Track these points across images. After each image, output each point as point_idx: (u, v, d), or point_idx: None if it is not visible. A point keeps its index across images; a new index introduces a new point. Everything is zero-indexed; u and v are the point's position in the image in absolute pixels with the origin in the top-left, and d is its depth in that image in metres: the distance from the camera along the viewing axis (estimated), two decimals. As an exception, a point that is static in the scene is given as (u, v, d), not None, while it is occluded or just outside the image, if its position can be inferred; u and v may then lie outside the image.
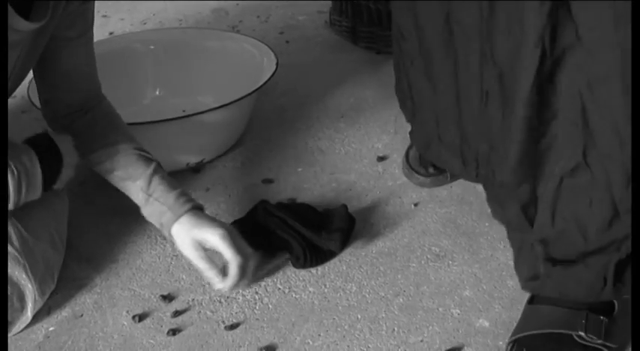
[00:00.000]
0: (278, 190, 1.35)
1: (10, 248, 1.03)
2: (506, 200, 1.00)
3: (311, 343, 1.02)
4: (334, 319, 1.05)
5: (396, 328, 1.03)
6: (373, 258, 1.17)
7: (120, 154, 1.12)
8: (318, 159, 1.44)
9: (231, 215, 1.26)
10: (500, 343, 0.99)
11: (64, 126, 1.17)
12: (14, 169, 1.00)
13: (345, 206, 1.23)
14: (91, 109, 1.18)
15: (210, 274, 1.07)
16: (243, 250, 1.07)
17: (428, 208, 1.28)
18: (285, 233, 1.17)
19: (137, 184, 1.10)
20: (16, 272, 1.03)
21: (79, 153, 1.14)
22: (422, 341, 1.01)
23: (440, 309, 1.06)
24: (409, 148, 1.36)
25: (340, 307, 1.07)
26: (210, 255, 1.07)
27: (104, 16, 2.24)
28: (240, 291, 1.11)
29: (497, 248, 1.17)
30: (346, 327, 1.04)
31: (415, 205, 1.29)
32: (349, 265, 1.16)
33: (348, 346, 1.01)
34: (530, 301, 1.01)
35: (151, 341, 1.03)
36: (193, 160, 1.41)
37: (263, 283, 1.13)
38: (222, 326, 1.05)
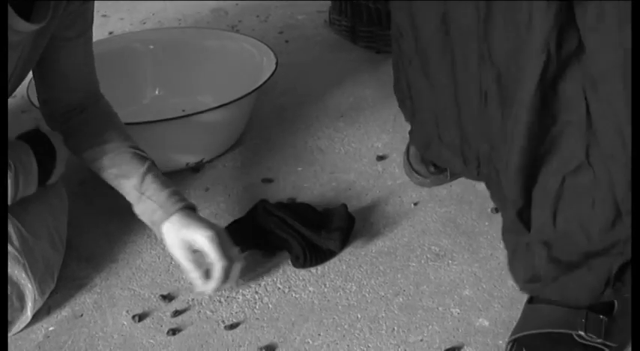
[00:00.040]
0: (278, 190, 1.35)
1: (10, 248, 1.03)
2: (505, 203, 1.00)
3: (311, 342, 1.02)
4: (334, 318, 1.05)
5: (395, 328, 1.03)
6: (373, 257, 1.17)
7: (114, 152, 1.13)
8: (317, 158, 1.44)
9: (230, 215, 1.26)
10: (500, 342, 0.99)
11: (61, 124, 1.17)
12: (12, 164, 1.01)
13: (344, 205, 1.23)
14: (88, 108, 1.18)
15: (193, 275, 1.07)
16: (229, 254, 1.07)
17: (428, 208, 1.28)
18: (285, 233, 1.17)
19: (130, 182, 1.10)
20: (16, 271, 1.03)
21: (74, 150, 1.15)
22: (422, 340, 1.01)
23: (440, 308, 1.06)
24: (409, 146, 1.36)
25: (340, 307, 1.07)
26: (199, 256, 1.07)
27: (104, 15, 2.24)
28: (240, 290, 1.11)
29: (497, 247, 1.16)
30: (346, 326, 1.04)
31: (415, 204, 1.29)
32: (349, 264, 1.16)
33: (348, 345, 1.01)
34: (530, 301, 1.01)
35: (151, 341, 1.03)
36: (193, 159, 1.41)
37: (263, 283, 1.13)
38: (222, 326, 1.05)
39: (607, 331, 0.94)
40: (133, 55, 1.62)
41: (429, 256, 1.17)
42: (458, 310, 1.05)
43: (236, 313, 1.07)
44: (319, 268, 1.15)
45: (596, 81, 0.84)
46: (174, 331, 1.04)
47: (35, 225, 1.09)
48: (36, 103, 1.24)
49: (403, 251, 1.18)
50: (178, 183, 1.37)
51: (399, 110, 1.36)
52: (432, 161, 1.30)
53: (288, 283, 1.13)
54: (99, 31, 1.63)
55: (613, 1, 0.79)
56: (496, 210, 1.24)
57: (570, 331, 0.94)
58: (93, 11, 1.14)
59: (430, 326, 1.03)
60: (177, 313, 1.07)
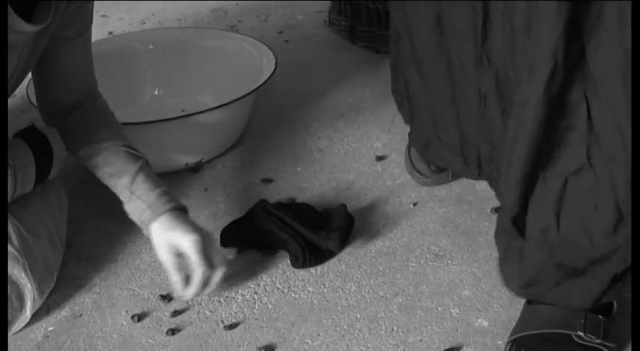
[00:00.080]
0: (277, 190, 1.35)
1: (9, 247, 1.03)
2: (500, 209, 1.00)
3: (310, 342, 1.02)
4: (333, 318, 1.05)
5: (395, 328, 1.03)
6: (372, 257, 1.17)
7: (108, 151, 1.13)
8: (317, 158, 1.44)
9: (230, 215, 1.27)
10: (499, 342, 0.99)
11: (57, 121, 1.18)
12: (11, 163, 1.01)
13: (344, 206, 1.23)
14: (85, 106, 1.18)
15: (174, 278, 1.06)
16: (212, 259, 1.07)
17: (427, 208, 1.28)
18: (284, 233, 1.17)
19: (122, 181, 1.11)
20: (15, 271, 1.03)
21: (71, 148, 1.15)
22: (421, 341, 1.01)
23: (439, 308, 1.06)
24: (409, 146, 1.36)
25: (339, 307, 1.08)
26: (185, 259, 1.07)
27: (103, 15, 2.24)
28: (240, 290, 1.11)
29: (496, 248, 1.16)
30: (345, 326, 1.04)
31: (414, 204, 1.29)
32: (348, 264, 1.16)
33: (347, 345, 1.01)
34: (529, 301, 1.01)
35: (150, 341, 1.03)
36: (192, 159, 1.41)
37: (262, 283, 1.13)
38: (222, 326, 1.05)
39: (606, 331, 0.94)
40: (132, 55, 1.62)
41: (428, 256, 1.17)
42: (457, 311, 1.05)
43: (235, 313, 1.07)
44: (318, 268, 1.15)
45: (596, 82, 0.84)
46: (173, 331, 1.04)
47: (35, 225, 1.09)
48: (35, 102, 1.24)
49: (402, 251, 1.18)
50: (177, 183, 1.37)
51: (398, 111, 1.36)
52: (433, 163, 1.30)
53: (288, 283, 1.13)
54: (98, 31, 1.63)
55: (613, 0, 0.79)
56: (495, 210, 1.24)
57: (569, 332, 0.94)
58: (92, 11, 1.14)
59: (429, 326, 1.03)
60: (176, 313, 1.07)
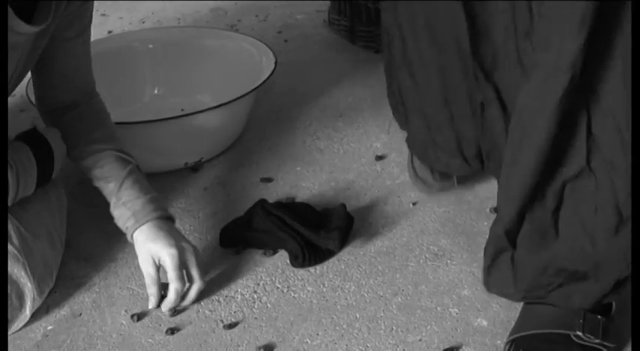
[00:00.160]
0: (276, 189, 1.35)
1: (9, 246, 1.03)
2: (495, 221, 1.00)
3: (309, 342, 1.02)
4: (333, 318, 1.06)
5: (394, 327, 1.03)
6: (372, 257, 1.17)
7: (99, 154, 1.13)
8: (316, 158, 1.44)
9: (229, 214, 1.26)
10: (499, 342, 1.00)
11: (54, 119, 1.18)
12: (12, 164, 1.01)
13: (343, 205, 1.23)
14: (82, 105, 1.19)
15: (150, 291, 1.07)
16: (190, 274, 1.07)
17: (426, 208, 1.28)
18: (284, 232, 1.17)
19: (109, 186, 1.11)
20: (15, 270, 1.03)
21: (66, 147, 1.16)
22: (420, 340, 1.01)
23: (438, 308, 1.06)
24: (412, 153, 1.33)
25: (339, 306, 1.08)
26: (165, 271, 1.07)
27: (103, 14, 2.24)
28: (239, 290, 1.11)
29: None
30: (344, 326, 1.04)
31: (414, 204, 1.29)
32: (348, 264, 1.16)
33: (347, 345, 1.01)
34: (529, 302, 1.01)
35: (150, 340, 1.03)
36: (192, 159, 1.41)
37: (261, 282, 1.13)
38: (221, 325, 1.05)
39: (605, 331, 0.94)
40: (132, 54, 1.62)
41: (427, 255, 1.17)
42: (456, 310, 1.06)
43: (235, 312, 1.07)
44: (318, 267, 1.15)
45: (596, 86, 0.84)
46: (172, 331, 1.04)
47: (34, 224, 1.09)
48: (34, 101, 1.24)
49: (402, 251, 1.18)
50: (177, 182, 1.37)
51: (398, 110, 1.36)
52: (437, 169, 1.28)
53: (287, 282, 1.13)
54: (98, 30, 1.63)
55: (611, 1, 0.79)
56: (495, 210, 1.24)
57: (568, 332, 0.94)
58: (92, 11, 1.14)
59: (429, 326, 1.03)
60: (176, 312, 1.07)
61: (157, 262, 1.06)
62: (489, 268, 1.02)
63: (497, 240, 0.98)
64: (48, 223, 1.12)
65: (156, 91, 1.63)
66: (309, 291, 1.11)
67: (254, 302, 1.09)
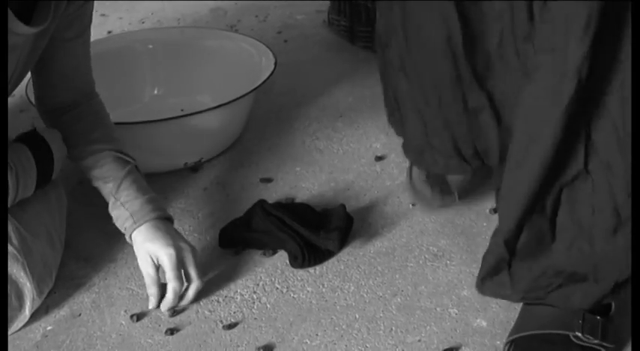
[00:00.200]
0: (276, 190, 1.35)
1: (8, 246, 1.03)
2: (495, 232, 1.00)
3: (309, 342, 1.02)
4: (332, 318, 1.06)
5: (393, 328, 1.03)
6: (371, 258, 1.17)
7: (98, 154, 1.13)
8: (316, 158, 1.44)
9: (229, 215, 1.26)
10: (498, 342, 1.00)
11: (54, 119, 1.18)
12: (12, 166, 1.01)
13: (343, 206, 1.23)
14: (81, 105, 1.19)
15: (150, 291, 1.07)
16: (189, 273, 1.07)
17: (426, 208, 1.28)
18: (283, 233, 1.17)
19: (108, 186, 1.11)
20: (15, 270, 1.03)
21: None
22: (419, 341, 1.01)
23: (438, 309, 1.06)
24: (410, 170, 1.29)
25: (338, 307, 1.08)
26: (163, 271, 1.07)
27: (102, 14, 2.24)
28: (239, 290, 1.11)
29: (494, 248, 1.17)
30: (344, 326, 1.04)
31: (413, 204, 1.29)
32: (347, 264, 1.16)
33: (346, 345, 1.01)
34: (528, 302, 1.01)
35: (149, 341, 1.03)
36: (191, 159, 1.41)
37: (261, 283, 1.13)
38: (220, 326, 1.05)
39: (604, 331, 0.94)
40: (131, 54, 1.62)
41: (427, 256, 1.17)
42: (456, 311, 1.06)
43: (234, 312, 1.07)
44: (317, 268, 1.15)
45: (597, 90, 0.84)
46: (172, 331, 1.04)
47: (34, 224, 1.09)
48: (34, 100, 1.24)
49: (401, 251, 1.18)
50: (177, 183, 1.37)
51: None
52: (437, 182, 1.25)
53: (287, 283, 1.13)
54: (97, 31, 1.63)
55: (609, 1, 0.79)
56: (494, 211, 1.24)
57: (567, 332, 0.94)
58: (92, 12, 1.14)
59: (428, 326, 1.03)
60: (175, 312, 1.07)
61: (156, 262, 1.06)
62: (486, 275, 1.02)
63: (496, 249, 0.98)
64: (47, 223, 1.12)
65: (156, 92, 1.63)
66: (308, 291, 1.11)
67: (253, 303, 1.09)
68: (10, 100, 1.26)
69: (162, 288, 1.07)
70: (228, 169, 1.43)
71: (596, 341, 0.93)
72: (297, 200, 1.31)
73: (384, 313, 1.06)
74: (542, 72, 0.86)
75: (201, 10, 2.26)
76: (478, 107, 1.04)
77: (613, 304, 0.96)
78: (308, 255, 1.14)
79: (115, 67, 1.55)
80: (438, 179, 1.24)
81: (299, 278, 1.14)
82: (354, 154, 1.46)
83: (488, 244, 1.17)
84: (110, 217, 1.12)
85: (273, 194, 1.33)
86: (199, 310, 1.08)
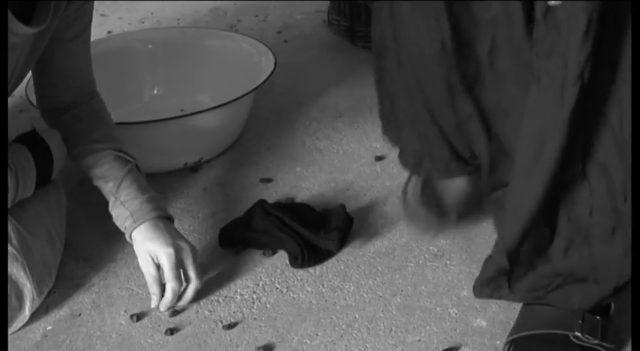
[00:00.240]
0: (276, 190, 1.35)
1: (8, 246, 1.03)
2: (496, 244, 1.00)
3: (308, 342, 1.02)
4: (332, 318, 1.06)
5: (393, 328, 1.03)
6: (371, 258, 1.17)
7: (98, 153, 1.13)
8: (316, 158, 1.44)
9: (229, 215, 1.27)
10: (498, 342, 1.00)
11: (54, 118, 1.18)
12: (12, 166, 1.01)
13: (343, 206, 1.23)
14: (82, 104, 1.19)
15: (151, 290, 1.07)
16: (188, 273, 1.07)
17: (426, 208, 1.28)
18: (283, 233, 1.17)
19: (108, 185, 1.11)
20: (15, 270, 1.03)
21: (65, 146, 1.16)
22: (419, 341, 1.01)
23: (437, 309, 1.06)
24: (406, 185, 1.23)
25: (338, 307, 1.08)
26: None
27: (102, 14, 2.24)
28: (238, 290, 1.11)
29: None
30: (344, 326, 1.04)
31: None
32: (347, 264, 1.16)
33: (346, 345, 1.01)
34: (527, 302, 1.01)
35: (149, 341, 1.03)
36: (191, 159, 1.41)
37: (261, 283, 1.13)
38: (220, 326, 1.05)
39: (603, 331, 0.94)
40: (131, 54, 1.62)
41: (427, 256, 1.17)
42: (455, 311, 1.06)
43: (234, 312, 1.07)
44: (317, 268, 1.15)
45: (597, 93, 0.84)
46: (172, 331, 1.04)
47: (33, 224, 1.09)
48: (34, 101, 1.24)
49: (401, 251, 1.18)
50: (176, 183, 1.37)
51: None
52: (434, 200, 1.20)
53: (286, 283, 1.13)
54: (97, 31, 1.63)
55: (608, 1, 0.79)
56: (494, 211, 1.24)
57: (567, 332, 0.94)
58: (92, 12, 1.14)
59: (428, 326, 1.03)
60: (175, 312, 1.07)
61: (156, 261, 1.06)
62: (484, 282, 1.02)
63: (498, 259, 0.98)
64: (47, 223, 1.12)
65: (155, 92, 1.63)
66: (308, 291, 1.11)
67: (253, 302, 1.09)
68: (10, 100, 1.26)
69: (162, 288, 1.07)
70: (228, 169, 1.43)
71: (595, 341, 0.93)
72: (297, 200, 1.31)
73: (384, 313, 1.06)
74: (545, 78, 0.86)
75: (201, 10, 2.26)
76: (466, 115, 1.04)
77: (613, 305, 0.96)
78: (308, 255, 1.14)
79: (115, 67, 1.55)
80: (434, 198, 1.19)
81: (299, 278, 1.14)
82: (354, 154, 1.46)
83: (488, 244, 1.18)
84: (110, 217, 1.12)
85: (273, 194, 1.33)
86: (199, 310, 1.08)
